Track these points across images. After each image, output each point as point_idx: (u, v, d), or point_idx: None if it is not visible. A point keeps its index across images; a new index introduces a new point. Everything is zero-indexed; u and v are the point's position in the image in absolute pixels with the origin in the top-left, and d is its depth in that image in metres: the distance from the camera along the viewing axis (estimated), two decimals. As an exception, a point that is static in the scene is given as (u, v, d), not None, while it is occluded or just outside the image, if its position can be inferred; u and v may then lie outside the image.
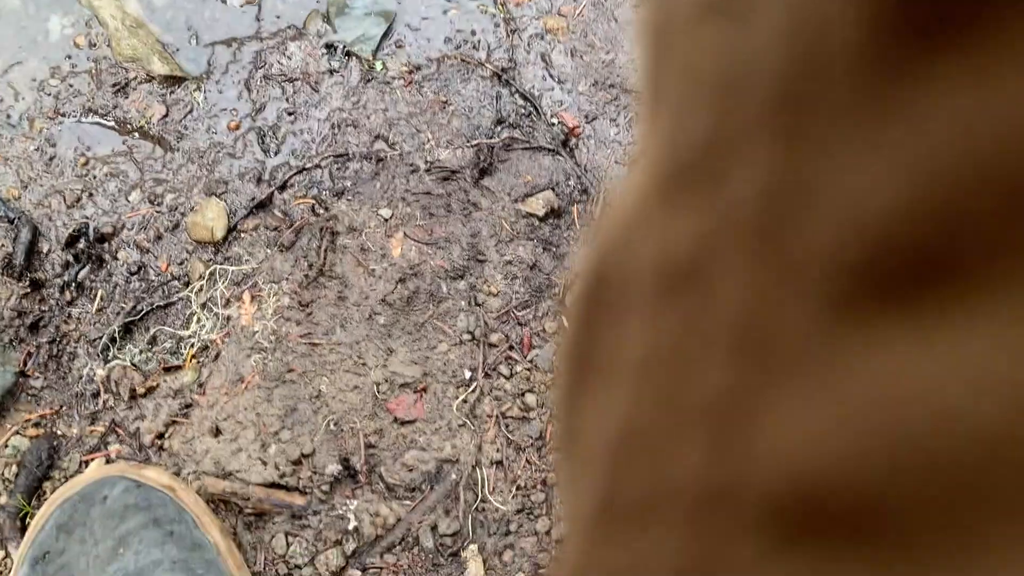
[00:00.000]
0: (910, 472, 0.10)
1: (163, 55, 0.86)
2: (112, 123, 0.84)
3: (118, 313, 0.78)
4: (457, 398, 0.77)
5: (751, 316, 0.12)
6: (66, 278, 0.78)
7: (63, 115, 0.84)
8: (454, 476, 0.75)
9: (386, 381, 0.77)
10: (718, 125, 0.12)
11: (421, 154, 0.84)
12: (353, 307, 0.79)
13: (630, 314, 0.14)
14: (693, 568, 0.12)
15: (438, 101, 0.87)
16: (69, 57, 0.86)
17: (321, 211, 0.82)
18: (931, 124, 0.10)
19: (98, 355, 0.77)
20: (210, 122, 0.85)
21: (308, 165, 0.84)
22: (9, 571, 0.70)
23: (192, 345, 0.77)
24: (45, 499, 0.71)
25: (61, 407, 0.76)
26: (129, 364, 0.77)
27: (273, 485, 0.73)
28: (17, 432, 0.74)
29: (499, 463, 0.76)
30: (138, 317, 0.78)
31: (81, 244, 0.79)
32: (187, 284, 0.80)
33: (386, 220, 0.82)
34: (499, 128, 0.86)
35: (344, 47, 0.88)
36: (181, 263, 0.80)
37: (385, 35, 0.89)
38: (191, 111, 0.85)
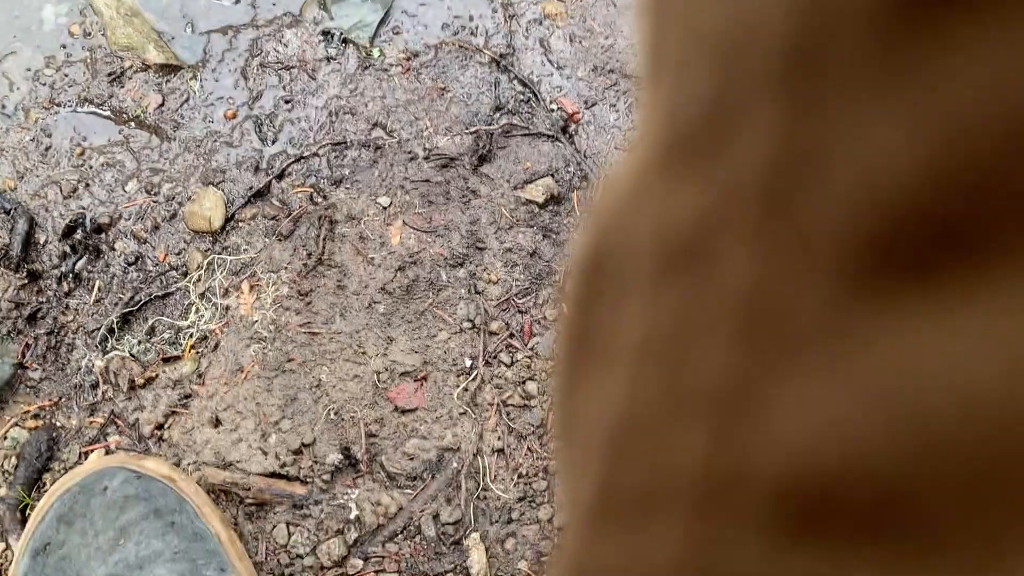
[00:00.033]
0: (936, 463, 0.09)
1: (158, 43, 0.85)
2: (108, 113, 0.84)
3: (116, 304, 0.77)
4: (458, 386, 0.76)
5: (757, 293, 0.11)
6: (63, 269, 0.78)
7: (58, 105, 0.84)
8: (455, 464, 0.75)
9: (386, 370, 0.76)
10: (721, 90, 0.12)
11: (419, 141, 0.84)
12: (352, 296, 0.78)
13: (629, 294, 0.14)
14: (694, 564, 0.12)
15: (436, 88, 0.86)
16: (64, 46, 0.85)
17: (319, 200, 0.81)
18: (956, 83, 0.09)
19: (96, 346, 0.76)
20: (206, 111, 0.84)
21: (306, 153, 0.83)
22: (10, 563, 0.69)
23: (191, 335, 0.77)
24: (45, 491, 0.71)
25: (60, 398, 0.75)
26: (128, 355, 0.76)
27: (274, 475, 0.73)
28: (16, 424, 0.74)
29: (500, 451, 0.75)
30: (136, 308, 0.77)
31: (78, 235, 0.79)
32: (185, 274, 0.79)
33: (385, 208, 0.81)
34: (498, 115, 0.85)
35: (341, 34, 0.87)
36: (179, 253, 0.80)
37: (382, 22, 0.88)
38: (187, 100, 0.84)
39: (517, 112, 0.86)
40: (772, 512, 0.11)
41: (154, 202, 0.81)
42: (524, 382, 0.77)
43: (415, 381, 0.77)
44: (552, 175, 0.84)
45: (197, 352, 0.77)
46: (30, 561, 0.64)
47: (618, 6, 0.90)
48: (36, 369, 0.76)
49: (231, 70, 0.85)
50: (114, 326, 0.76)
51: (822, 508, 0.10)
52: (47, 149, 0.82)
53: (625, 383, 0.14)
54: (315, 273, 0.79)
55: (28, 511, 0.71)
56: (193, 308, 0.78)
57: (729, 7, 0.11)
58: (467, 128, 0.84)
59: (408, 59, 0.87)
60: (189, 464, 0.73)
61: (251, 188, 0.81)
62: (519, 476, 0.75)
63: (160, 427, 0.75)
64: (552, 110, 0.86)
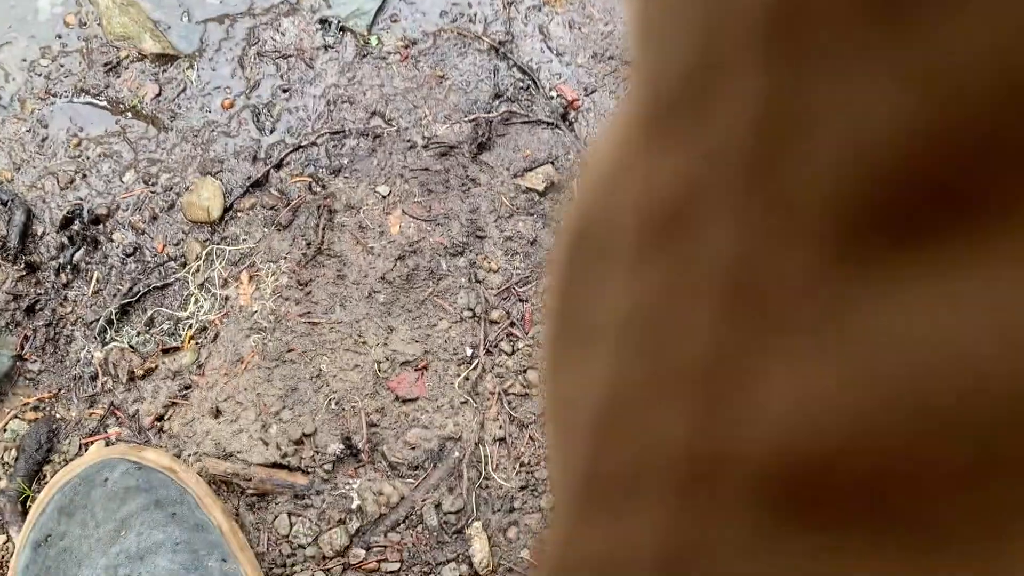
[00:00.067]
0: (932, 440, 0.09)
1: (155, 33, 0.85)
2: (104, 103, 0.83)
3: (114, 295, 0.77)
4: (459, 375, 0.76)
5: (743, 264, 0.10)
6: (61, 260, 0.77)
7: (55, 95, 0.83)
8: (457, 454, 0.74)
9: (387, 359, 0.76)
10: (703, 52, 0.11)
11: (418, 130, 0.83)
12: (352, 285, 0.78)
13: (613, 270, 0.13)
14: (678, 549, 0.11)
15: (435, 76, 0.85)
16: (59, 36, 0.85)
17: (318, 189, 0.81)
18: (951, 35, 0.08)
19: (95, 337, 0.76)
20: (204, 100, 0.84)
21: (304, 143, 0.82)
22: (11, 555, 0.69)
23: (190, 326, 0.77)
24: (45, 482, 0.71)
25: (59, 390, 0.75)
26: (127, 346, 0.76)
27: (275, 465, 0.73)
28: (16, 416, 0.74)
29: (502, 440, 0.75)
30: (135, 299, 0.77)
31: (76, 226, 0.78)
32: (184, 265, 0.79)
33: (384, 197, 0.81)
34: (497, 102, 0.84)
35: (338, 22, 0.86)
36: (177, 244, 0.79)
37: (380, 9, 0.87)
38: (184, 90, 0.84)
39: (516, 99, 0.85)
40: (758, 494, 0.10)
41: (152, 192, 0.81)
42: (525, 371, 0.77)
43: (416, 370, 0.76)
44: (552, 163, 0.83)
45: (197, 343, 0.76)
46: (31, 553, 0.64)
47: (618, -9, 0.90)
48: (35, 361, 0.76)
49: (228, 59, 0.85)
50: (113, 317, 0.76)
51: (812, 489, 0.10)
52: (43, 140, 0.82)
53: (609, 362, 0.13)
54: (314, 263, 0.78)
55: (29, 503, 0.71)
56: (192, 299, 0.78)
57: None
58: (466, 116, 0.84)
59: (406, 47, 0.86)
60: (190, 455, 0.73)
61: (249, 178, 0.81)
62: (521, 465, 0.75)
63: (160, 418, 0.75)
64: (552, 97, 0.85)
